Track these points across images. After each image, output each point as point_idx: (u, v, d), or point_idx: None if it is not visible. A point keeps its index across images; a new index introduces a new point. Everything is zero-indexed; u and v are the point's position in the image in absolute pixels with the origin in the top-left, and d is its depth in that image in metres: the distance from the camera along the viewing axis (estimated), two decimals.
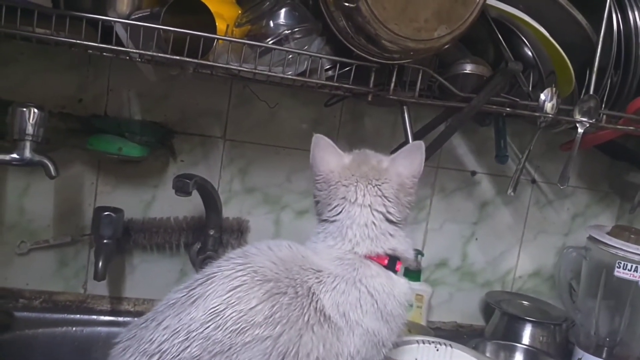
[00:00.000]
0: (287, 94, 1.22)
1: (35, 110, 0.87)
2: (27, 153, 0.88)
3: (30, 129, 0.87)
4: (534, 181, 1.39)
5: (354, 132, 1.28)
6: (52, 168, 0.90)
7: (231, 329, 0.67)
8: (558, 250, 1.42)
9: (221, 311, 0.68)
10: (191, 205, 1.21)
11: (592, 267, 1.21)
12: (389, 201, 0.78)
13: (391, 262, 0.78)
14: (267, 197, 1.27)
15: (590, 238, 1.20)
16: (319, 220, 0.81)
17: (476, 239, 1.39)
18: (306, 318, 0.70)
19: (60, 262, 1.21)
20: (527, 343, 1.22)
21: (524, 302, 1.33)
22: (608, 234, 1.19)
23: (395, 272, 0.79)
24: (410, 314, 1.26)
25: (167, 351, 0.67)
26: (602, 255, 1.17)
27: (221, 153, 1.24)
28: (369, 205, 0.77)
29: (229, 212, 1.24)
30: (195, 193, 1.12)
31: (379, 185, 0.78)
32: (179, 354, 0.67)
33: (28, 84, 1.12)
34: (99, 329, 1.18)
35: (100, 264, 1.09)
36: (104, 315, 1.20)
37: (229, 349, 0.67)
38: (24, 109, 0.86)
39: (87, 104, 1.16)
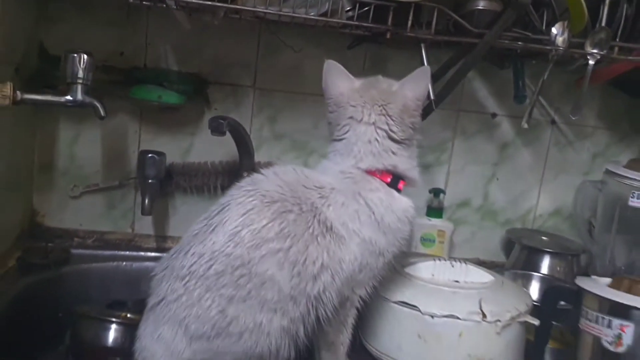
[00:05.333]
0: (312, 42, 1.29)
1: (85, 55, 0.96)
2: (79, 95, 0.98)
3: (81, 73, 0.96)
4: (553, 122, 1.43)
5: None
6: (101, 109, 1.00)
7: (248, 245, 0.76)
8: None
9: (238, 232, 0.77)
10: (225, 151, 1.30)
11: (608, 200, 1.26)
12: (392, 120, 0.84)
13: (394, 180, 0.85)
14: (295, 143, 1.35)
15: (607, 172, 1.25)
16: (330, 140, 0.88)
17: (497, 179, 1.44)
18: (311, 230, 0.78)
19: (109, 204, 1.32)
20: (545, 273, 1.28)
21: (543, 237, 1.38)
22: (624, 167, 1.23)
23: (398, 190, 0.85)
24: (433, 249, 1.34)
25: (196, 271, 0.77)
26: (618, 187, 1.22)
27: (251, 101, 1.32)
28: (373, 123, 0.84)
29: (260, 157, 1.32)
30: (229, 139, 1.22)
31: (384, 105, 0.84)
32: (205, 272, 0.77)
33: (73, 40, 1.22)
34: (147, 263, 1.28)
35: (146, 200, 1.20)
36: (151, 252, 1.31)
37: (249, 262, 0.76)
38: (75, 55, 0.96)
39: (128, 57, 1.26)
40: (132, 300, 1.09)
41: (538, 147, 1.44)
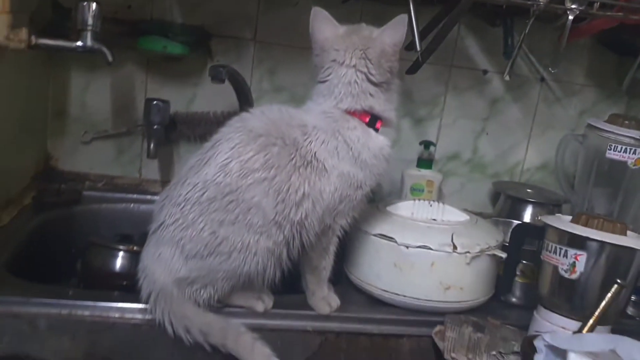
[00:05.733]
0: None
1: (94, 4, 1.04)
2: (89, 41, 1.06)
3: (90, 20, 1.04)
4: (542, 79, 1.49)
5: None
6: (108, 54, 1.07)
7: (236, 175, 0.85)
8: None
9: (227, 164, 0.86)
10: (227, 101, 1.38)
11: (588, 153, 1.32)
12: (371, 63, 0.91)
13: (372, 120, 0.92)
14: (294, 95, 1.42)
15: (588, 126, 1.31)
16: (315, 83, 0.95)
17: (487, 133, 1.51)
18: (294, 162, 0.87)
19: (118, 150, 1.41)
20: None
21: (528, 189, 1.44)
22: (605, 121, 1.29)
23: (375, 129, 0.93)
24: (422, 196, 1.41)
25: (190, 198, 0.87)
26: (598, 140, 1.28)
27: (252, 54, 1.39)
28: (354, 66, 0.91)
29: None
30: (230, 91, 1.29)
31: (365, 49, 0.91)
32: (199, 198, 0.86)
33: None
34: (152, 206, 1.37)
35: (152, 145, 1.28)
36: (156, 195, 1.38)
37: (237, 189, 0.85)
38: (85, 3, 1.03)
39: (135, 10, 1.33)
40: (138, 234, 1.19)
41: (527, 103, 1.50)
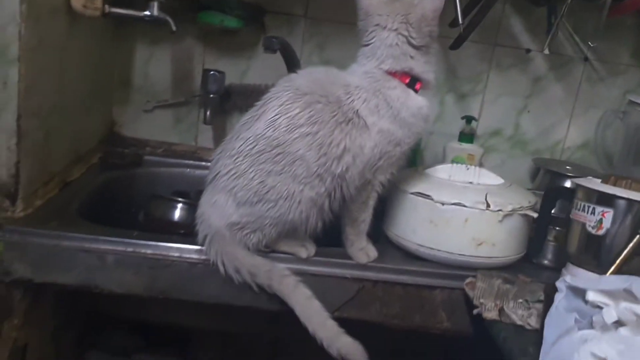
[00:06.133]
0: None
1: None
2: (156, 11, 1.16)
3: None
4: (586, 59, 1.50)
5: None
6: (172, 24, 1.18)
7: (283, 129, 0.94)
8: None
9: (276, 120, 0.95)
10: (278, 74, 1.44)
11: (629, 129, 1.34)
12: (412, 27, 0.97)
13: (412, 81, 0.99)
14: (342, 68, 1.48)
15: (629, 102, 1.33)
16: (360, 47, 1.02)
17: (528, 111, 1.54)
18: (336, 118, 0.95)
19: (177, 119, 1.52)
20: None
21: (567, 166, 1.47)
22: None
23: (415, 90, 0.99)
24: None
25: (243, 150, 0.96)
26: (638, 117, 1.30)
27: (303, 30, 1.47)
28: (396, 30, 0.97)
29: None
30: (281, 63, 1.37)
31: (406, 14, 0.97)
32: (250, 151, 0.95)
33: None
34: (206, 171, 1.48)
35: (207, 112, 1.39)
36: (210, 162, 1.50)
37: (284, 143, 0.94)
38: None
39: None
40: (193, 192, 1.29)
41: (570, 82, 1.52)
